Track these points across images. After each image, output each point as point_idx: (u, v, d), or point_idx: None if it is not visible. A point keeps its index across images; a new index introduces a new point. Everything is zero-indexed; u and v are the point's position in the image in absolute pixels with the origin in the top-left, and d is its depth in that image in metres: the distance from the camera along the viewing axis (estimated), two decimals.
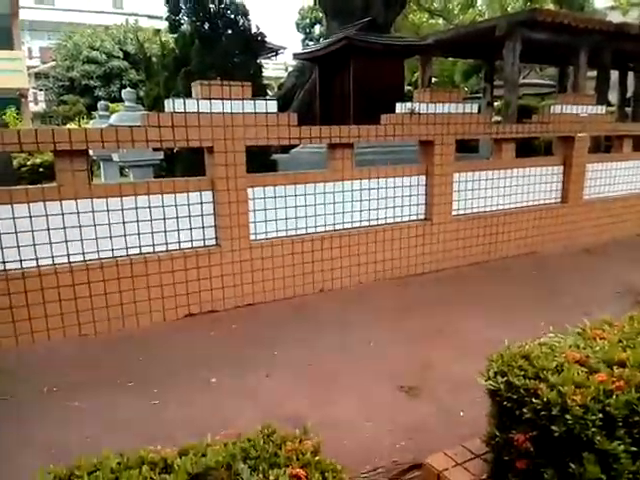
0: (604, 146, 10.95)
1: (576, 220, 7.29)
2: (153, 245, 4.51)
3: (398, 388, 3.41)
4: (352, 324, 4.49)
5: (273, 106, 4.91)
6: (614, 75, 15.92)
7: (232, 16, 8.00)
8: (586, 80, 12.81)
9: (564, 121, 6.86)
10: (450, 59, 20.75)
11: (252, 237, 4.90)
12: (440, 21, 26.05)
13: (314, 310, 4.88)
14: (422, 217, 6.03)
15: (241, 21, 8.05)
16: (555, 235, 7.09)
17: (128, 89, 7.56)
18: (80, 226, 4.19)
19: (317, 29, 27.20)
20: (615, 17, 17.95)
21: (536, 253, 6.81)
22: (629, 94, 16.11)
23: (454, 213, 6.18)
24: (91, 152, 6.51)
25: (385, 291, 5.41)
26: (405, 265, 5.87)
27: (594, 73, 13.44)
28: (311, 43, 25.33)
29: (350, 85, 8.49)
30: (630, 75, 15.98)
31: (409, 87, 19.70)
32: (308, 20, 28.00)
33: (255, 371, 3.63)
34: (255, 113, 4.73)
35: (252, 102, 4.73)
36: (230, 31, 7.93)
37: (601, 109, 7.38)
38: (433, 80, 23.58)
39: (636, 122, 8.90)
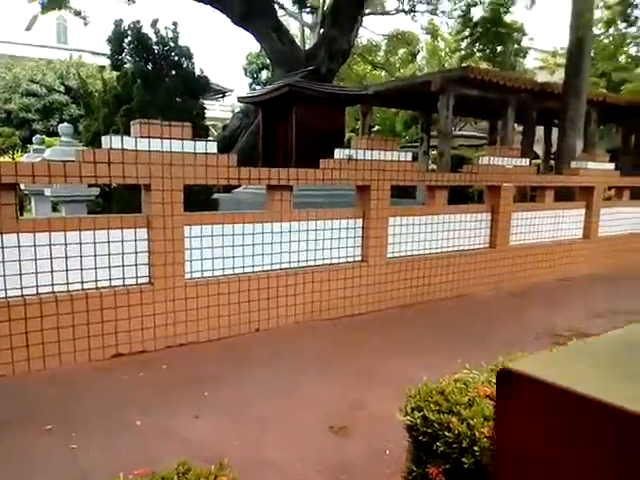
0: (529, 196, 11.70)
1: (503, 265, 7.69)
2: (82, 282, 4.38)
3: (328, 428, 3.42)
4: (285, 364, 4.49)
5: (213, 147, 4.98)
6: (541, 130, 17.24)
7: (176, 58, 8.12)
8: (515, 134, 13.77)
9: (491, 172, 7.32)
10: (392, 109, 21.75)
11: (187, 275, 4.86)
12: (383, 73, 27.43)
13: (248, 350, 4.85)
14: (358, 259, 6.18)
15: (185, 63, 8.18)
16: (484, 279, 7.44)
17: (65, 124, 7.44)
18: (3, 261, 4.03)
19: (264, 74, 27.89)
20: (544, 76, 19.51)
21: (466, 296, 7.10)
22: (554, 148, 17.40)
23: (389, 255, 6.39)
24: (22, 186, 6.32)
25: (320, 331, 5.46)
26: (341, 306, 5.96)
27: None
28: (258, 87, 25.90)
29: (292, 130, 8.74)
30: (555, 131, 17.30)
31: (352, 133, 20.42)
32: (255, 65, 28.70)
33: (184, 412, 3.55)
34: (195, 153, 4.79)
35: (192, 142, 4.79)
36: (174, 72, 8.04)
37: (525, 162, 7.94)
38: (376, 128, 24.63)
39: (558, 175, 9.60)
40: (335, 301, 5.91)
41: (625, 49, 19.59)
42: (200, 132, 7.31)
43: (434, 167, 14.40)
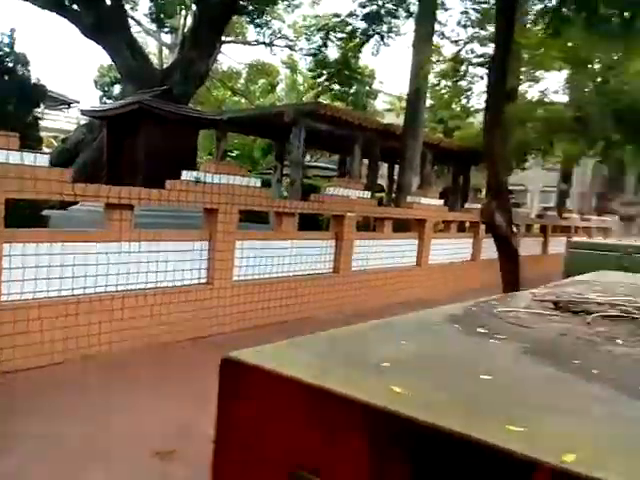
0: (372, 226, 12.62)
1: (346, 289, 8.14)
2: None
3: (154, 454, 3.30)
4: (111, 391, 4.24)
5: (44, 160, 4.65)
6: (386, 166, 18.75)
7: (10, 65, 7.43)
8: (362, 168, 14.81)
9: (336, 202, 7.78)
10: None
11: (3, 298, 4.38)
12: (243, 100, 27.81)
13: (70, 378, 4.48)
14: (204, 281, 6.11)
15: (21, 71, 7.52)
16: (328, 302, 7.79)
17: None
18: None
19: (117, 88, 26.58)
20: (392, 118, 21.26)
21: (310, 318, 7.36)
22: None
23: (235, 278, 6.41)
24: None
25: (155, 356, 5.24)
26: (183, 329, 5.80)
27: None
28: (110, 101, 24.58)
29: (141, 148, 8.44)
30: (397, 167, 18.91)
31: (210, 156, 20.28)
32: (108, 78, 27.27)
33: None
34: (22, 165, 4.41)
35: (19, 153, 4.42)
36: (6, 78, 7.34)
37: (367, 194, 8.58)
38: (235, 153, 24.76)
39: (396, 207, 10.52)
40: (177, 324, 5.74)
41: (458, 100, 22.21)
42: (32, 143, 6.73)
43: (287, 194, 14.85)
